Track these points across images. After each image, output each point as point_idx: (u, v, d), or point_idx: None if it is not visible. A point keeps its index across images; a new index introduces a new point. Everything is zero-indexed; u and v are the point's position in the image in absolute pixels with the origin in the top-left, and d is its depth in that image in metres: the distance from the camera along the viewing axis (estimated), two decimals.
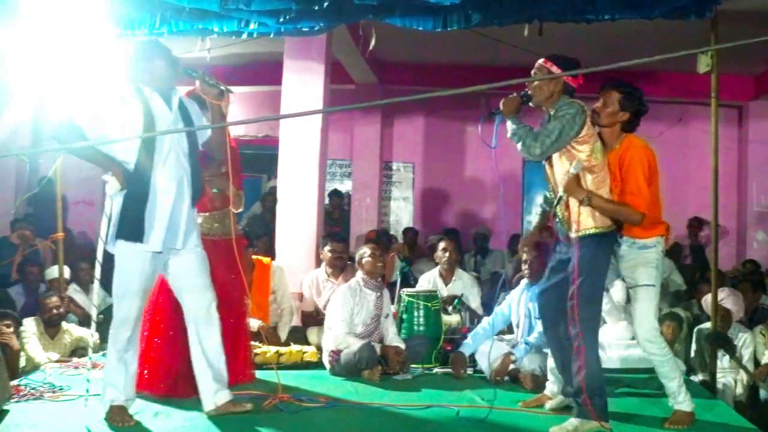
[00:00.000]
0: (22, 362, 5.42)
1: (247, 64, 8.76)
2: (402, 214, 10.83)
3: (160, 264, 3.90)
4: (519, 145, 3.90)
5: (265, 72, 9.00)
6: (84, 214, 10.18)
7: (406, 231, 9.80)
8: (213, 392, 3.95)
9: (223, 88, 4.05)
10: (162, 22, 5.80)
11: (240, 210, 4.79)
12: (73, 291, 6.84)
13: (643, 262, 3.93)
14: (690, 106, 9.36)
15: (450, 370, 5.31)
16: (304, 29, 5.89)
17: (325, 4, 5.21)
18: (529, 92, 3.96)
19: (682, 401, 3.96)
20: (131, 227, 3.75)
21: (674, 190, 9.30)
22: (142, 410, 4.04)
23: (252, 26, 5.82)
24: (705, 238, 9.47)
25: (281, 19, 5.61)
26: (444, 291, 6.20)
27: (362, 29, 6.63)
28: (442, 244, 6.48)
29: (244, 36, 6.02)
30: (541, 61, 3.97)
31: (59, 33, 5.77)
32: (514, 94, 3.97)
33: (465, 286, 6.36)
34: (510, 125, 3.94)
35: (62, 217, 6.53)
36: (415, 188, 10.84)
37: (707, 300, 5.71)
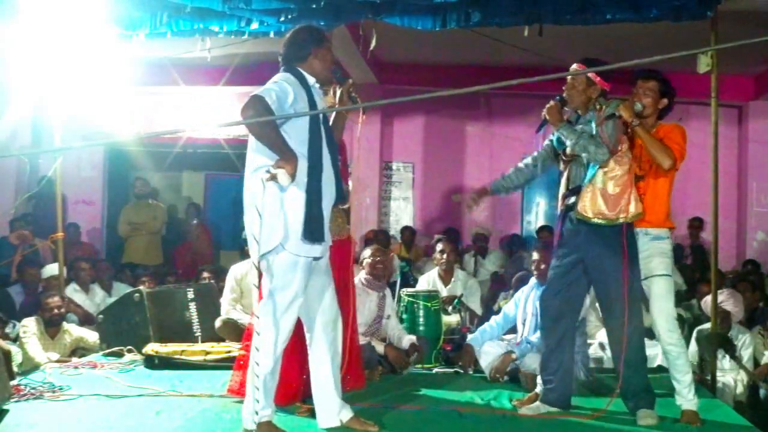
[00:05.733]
0: (19, 359, 5.42)
1: (247, 64, 8.76)
2: (402, 214, 10.82)
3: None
4: (584, 155, 3.92)
5: (265, 72, 8.92)
6: (84, 214, 10.19)
7: (404, 230, 9.80)
8: (338, 409, 3.72)
9: (361, 109, 3.82)
10: (162, 21, 5.81)
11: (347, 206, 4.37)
12: (73, 291, 6.84)
13: (658, 252, 3.97)
14: (690, 106, 9.34)
15: (450, 370, 5.32)
16: None
17: (323, 2, 5.22)
18: (564, 96, 4.00)
19: (692, 399, 3.95)
20: (315, 227, 3.44)
21: (674, 189, 9.23)
22: (143, 409, 4.04)
23: (253, 26, 5.83)
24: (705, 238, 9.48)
25: (282, 19, 5.62)
26: (443, 291, 6.20)
27: (362, 29, 6.63)
28: (439, 246, 6.48)
29: (245, 36, 6.03)
30: (575, 65, 4.02)
31: (59, 33, 5.78)
32: (552, 102, 4.00)
33: (464, 286, 6.36)
34: (567, 141, 3.95)
35: (62, 216, 6.53)
36: (415, 188, 10.83)
37: (707, 301, 5.71)
